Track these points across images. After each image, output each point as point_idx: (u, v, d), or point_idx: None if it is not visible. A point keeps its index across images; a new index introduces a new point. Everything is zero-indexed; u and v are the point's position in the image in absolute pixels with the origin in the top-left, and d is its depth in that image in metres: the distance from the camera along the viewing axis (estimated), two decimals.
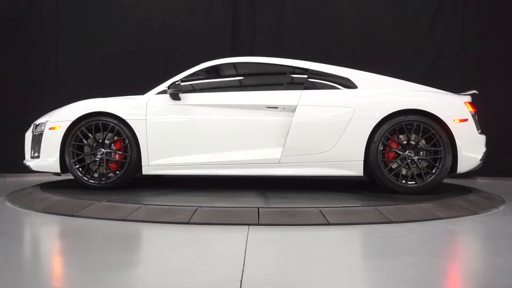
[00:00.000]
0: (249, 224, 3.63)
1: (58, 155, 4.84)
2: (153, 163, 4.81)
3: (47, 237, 3.58)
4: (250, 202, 4.22)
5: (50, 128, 4.89)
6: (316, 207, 3.88)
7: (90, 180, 4.87)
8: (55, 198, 4.44)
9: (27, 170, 5.10)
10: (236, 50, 7.24)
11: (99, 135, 4.88)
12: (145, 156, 4.81)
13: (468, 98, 4.81)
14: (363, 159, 4.60)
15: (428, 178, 4.56)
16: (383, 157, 4.61)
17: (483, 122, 4.89)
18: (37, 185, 5.29)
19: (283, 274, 2.54)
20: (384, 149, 4.63)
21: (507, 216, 4.21)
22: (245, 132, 4.77)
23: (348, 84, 4.87)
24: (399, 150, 4.61)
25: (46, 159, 4.89)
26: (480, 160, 4.63)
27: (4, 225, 3.81)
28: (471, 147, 4.58)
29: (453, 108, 4.64)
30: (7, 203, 4.68)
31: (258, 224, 3.64)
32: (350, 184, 5.67)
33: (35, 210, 4.24)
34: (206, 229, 3.54)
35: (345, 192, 4.88)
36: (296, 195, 4.63)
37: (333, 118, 4.66)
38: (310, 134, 4.66)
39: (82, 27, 7.34)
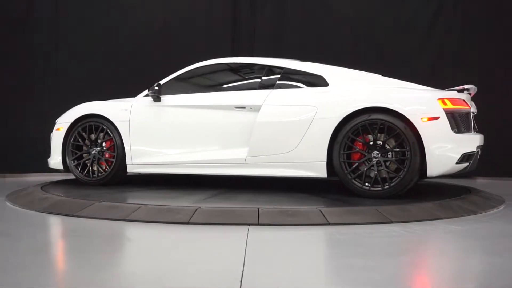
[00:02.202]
0: (249, 224, 3.63)
1: (61, 154, 5.26)
2: (135, 161, 5.04)
3: (47, 237, 3.59)
4: (250, 202, 4.22)
5: (56, 130, 5.38)
6: (316, 207, 3.88)
7: (84, 177, 5.20)
8: (55, 198, 4.44)
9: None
10: (236, 50, 7.22)
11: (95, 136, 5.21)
12: (129, 155, 5.05)
13: (453, 94, 4.41)
14: (326, 160, 4.42)
15: (393, 182, 4.24)
16: (347, 158, 4.37)
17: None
18: (37, 185, 5.29)
19: (283, 274, 2.54)
20: (350, 149, 4.40)
21: (507, 216, 4.20)
22: (214, 132, 4.83)
23: (319, 82, 4.72)
24: (365, 151, 4.33)
25: (55, 157, 5.35)
26: (458, 162, 4.22)
27: (4, 225, 3.82)
28: (443, 148, 4.17)
29: (421, 106, 4.27)
30: (7, 203, 4.68)
31: (258, 224, 3.64)
32: None
33: (35, 210, 4.25)
34: (206, 229, 3.55)
35: (345, 192, 4.87)
36: (296, 195, 4.63)
37: (296, 117, 4.52)
38: (272, 134, 4.59)
39: (82, 27, 7.33)
